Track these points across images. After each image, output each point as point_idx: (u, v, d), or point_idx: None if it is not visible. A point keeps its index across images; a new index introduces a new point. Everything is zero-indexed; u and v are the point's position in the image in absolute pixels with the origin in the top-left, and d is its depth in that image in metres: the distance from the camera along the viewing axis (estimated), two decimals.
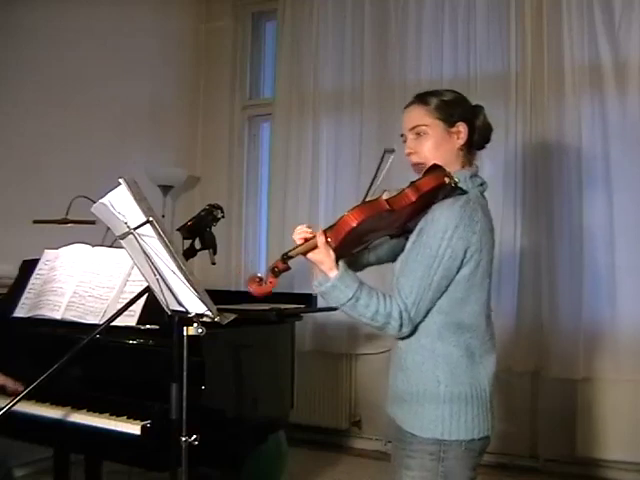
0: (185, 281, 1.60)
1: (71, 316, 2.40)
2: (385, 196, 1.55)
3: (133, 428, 2.02)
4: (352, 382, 4.32)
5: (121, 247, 1.75)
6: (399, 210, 1.55)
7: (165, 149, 4.69)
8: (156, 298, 1.78)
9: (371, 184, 1.70)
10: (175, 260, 1.57)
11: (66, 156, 3.87)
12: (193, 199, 4.87)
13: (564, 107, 3.72)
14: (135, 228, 1.56)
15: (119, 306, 2.07)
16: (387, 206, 1.53)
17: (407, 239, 1.67)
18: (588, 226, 3.64)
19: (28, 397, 1.88)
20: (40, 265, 2.63)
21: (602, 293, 3.62)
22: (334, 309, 1.66)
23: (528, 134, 3.83)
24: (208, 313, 1.67)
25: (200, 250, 1.95)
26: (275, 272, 1.63)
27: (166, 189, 4.47)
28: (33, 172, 3.71)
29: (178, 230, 1.95)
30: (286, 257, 1.61)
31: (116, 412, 2.11)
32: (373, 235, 1.71)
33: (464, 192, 1.62)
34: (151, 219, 1.53)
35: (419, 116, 1.72)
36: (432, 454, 1.61)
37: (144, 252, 1.60)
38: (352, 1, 4.36)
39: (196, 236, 1.95)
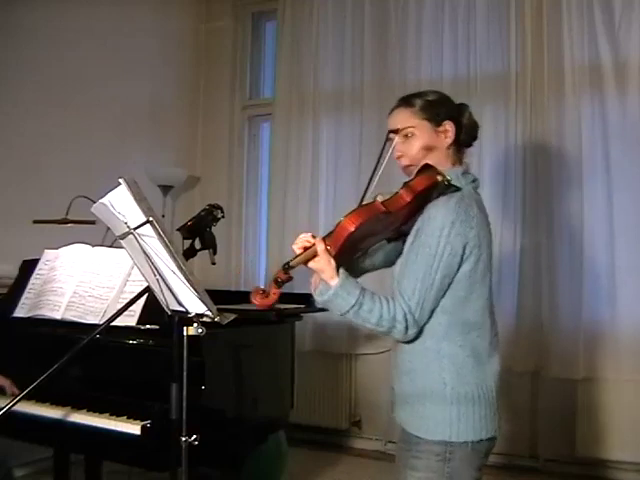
0: (185, 281, 1.60)
1: (71, 316, 2.40)
2: (380, 199, 1.55)
3: (133, 428, 2.02)
4: (352, 382, 4.32)
5: (121, 247, 1.75)
6: (395, 211, 1.55)
7: (165, 149, 4.69)
8: (156, 298, 1.78)
9: (375, 168, 1.69)
10: (175, 260, 1.57)
11: (66, 156, 3.87)
12: (193, 199, 4.86)
13: (564, 107, 3.71)
14: (135, 228, 1.56)
15: (119, 306, 2.07)
16: (383, 208, 1.53)
17: (404, 242, 1.66)
18: (588, 226, 3.63)
19: (28, 397, 1.87)
20: (40, 265, 2.63)
21: (602, 293, 3.62)
22: None
23: (528, 134, 3.83)
24: (208, 313, 1.67)
25: (200, 250, 1.94)
26: (278, 283, 1.63)
27: (166, 189, 4.47)
28: (33, 172, 3.71)
29: (178, 230, 1.94)
30: (287, 267, 1.61)
31: (116, 412, 2.11)
32: (371, 240, 1.71)
33: (458, 189, 1.62)
34: (151, 219, 1.53)
35: (405, 118, 1.71)
36: (438, 455, 1.60)
37: (144, 252, 1.60)
38: (352, 1, 4.36)
39: (196, 236, 1.95)
